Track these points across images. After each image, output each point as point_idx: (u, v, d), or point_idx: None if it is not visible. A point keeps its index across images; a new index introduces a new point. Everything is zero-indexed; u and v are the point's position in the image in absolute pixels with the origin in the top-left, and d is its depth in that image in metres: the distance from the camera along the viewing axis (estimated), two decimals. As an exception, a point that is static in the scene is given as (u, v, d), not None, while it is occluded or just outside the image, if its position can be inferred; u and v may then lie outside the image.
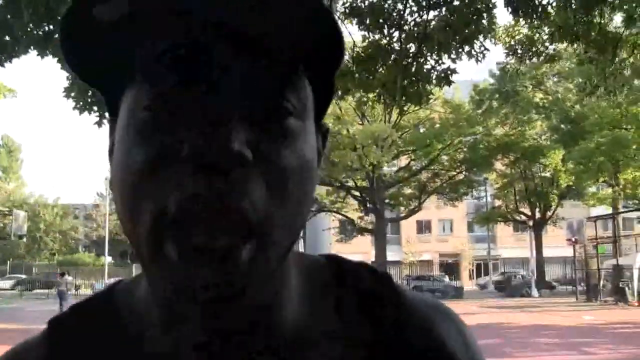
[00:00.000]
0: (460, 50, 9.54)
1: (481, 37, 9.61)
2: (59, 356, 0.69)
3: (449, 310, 0.78)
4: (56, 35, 7.62)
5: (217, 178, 0.52)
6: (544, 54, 11.31)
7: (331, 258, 0.77)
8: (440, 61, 9.58)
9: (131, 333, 0.68)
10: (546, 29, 10.90)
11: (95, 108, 7.87)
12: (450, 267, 64.49)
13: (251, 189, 0.54)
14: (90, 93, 7.89)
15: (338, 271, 0.75)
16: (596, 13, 10.07)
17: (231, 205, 0.53)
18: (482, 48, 9.68)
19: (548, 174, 44.01)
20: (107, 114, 0.69)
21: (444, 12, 9.53)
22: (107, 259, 62.97)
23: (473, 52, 9.62)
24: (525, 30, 11.87)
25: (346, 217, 42.60)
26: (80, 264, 65.39)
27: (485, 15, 9.36)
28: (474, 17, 9.26)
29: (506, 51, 12.64)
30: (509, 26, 13.72)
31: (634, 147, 32.88)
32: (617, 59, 10.64)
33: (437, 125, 40.77)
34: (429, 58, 9.69)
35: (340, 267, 0.76)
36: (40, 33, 7.55)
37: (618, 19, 11.06)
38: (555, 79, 39.44)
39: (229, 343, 0.62)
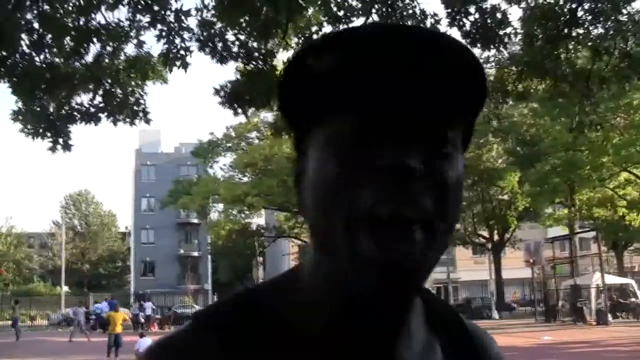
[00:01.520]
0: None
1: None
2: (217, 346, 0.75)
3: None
4: (8, 61, 7.50)
5: (402, 182, 0.67)
6: (513, 93, 11.33)
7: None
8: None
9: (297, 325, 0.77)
10: (514, 68, 10.94)
11: (48, 134, 7.73)
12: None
13: (427, 193, 0.69)
14: (42, 119, 7.76)
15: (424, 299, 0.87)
16: (562, 48, 10.18)
17: (414, 200, 0.68)
18: None
19: (506, 197, 44.54)
20: (294, 149, 0.82)
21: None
22: (64, 289, 61.81)
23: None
24: (493, 71, 11.87)
25: (305, 241, 42.60)
26: (36, 294, 64.04)
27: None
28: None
29: None
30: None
31: (588, 167, 33.45)
32: (590, 92, 10.74)
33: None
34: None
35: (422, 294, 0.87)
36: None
37: (585, 53, 11.14)
38: (511, 103, 40.01)
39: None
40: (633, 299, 36.81)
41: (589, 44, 10.27)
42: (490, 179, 42.51)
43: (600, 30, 10.26)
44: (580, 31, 10.15)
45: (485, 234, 47.24)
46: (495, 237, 46.60)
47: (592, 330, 29.36)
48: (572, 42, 10.25)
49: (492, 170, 42.14)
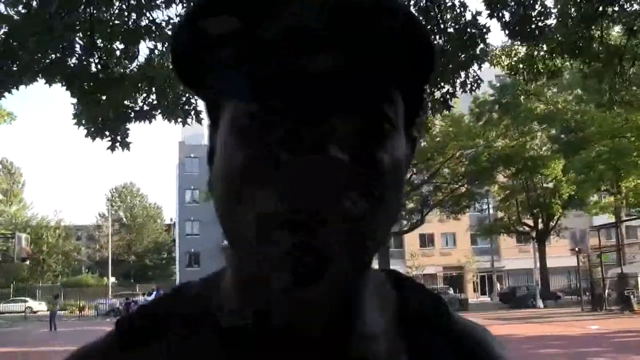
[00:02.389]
0: (455, 77, 9.54)
1: (475, 66, 9.59)
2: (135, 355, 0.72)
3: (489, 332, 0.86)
4: (65, 63, 7.71)
5: (316, 178, 0.57)
6: (545, 71, 11.29)
7: (390, 274, 0.83)
8: (439, 86, 9.56)
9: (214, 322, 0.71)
10: (544, 47, 10.90)
11: (107, 133, 7.92)
12: (454, 280, 64.41)
13: (350, 185, 0.58)
14: (100, 119, 7.93)
15: (398, 287, 0.81)
16: (596, 27, 10.12)
17: (329, 197, 0.58)
18: (476, 78, 9.68)
19: (550, 185, 44.00)
20: (207, 121, 0.74)
21: (438, 39, 9.57)
22: (111, 280, 62.87)
23: (467, 82, 9.63)
24: (524, 49, 11.85)
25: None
26: (84, 285, 65.30)
27: (479, 41, 9.37)
28: (468, 43, 9.27)
29: (508, 71, 12.66)
30: (505, 46, 13.70)
31: (635, 154, 32.92)
32: (622, 70, 10.68)
33: (438, 139, 40.85)
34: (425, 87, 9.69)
35: (400, 283, 0.82)
36: (48, 61, 7.61)
37: (617, 31, 11.11)
38: (555, 90, 39.53)
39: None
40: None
41: (624, 20, 10.19)
42: (535, 167, 42.01)
43: (636, 7, 10.17)
44: (616, 9, 10.06)
45: (530, 222, 46.72)
46: (540, 226, 46.05)
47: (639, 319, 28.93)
48: (606, 21, 10.15)
49: (536, 158, 41.65)
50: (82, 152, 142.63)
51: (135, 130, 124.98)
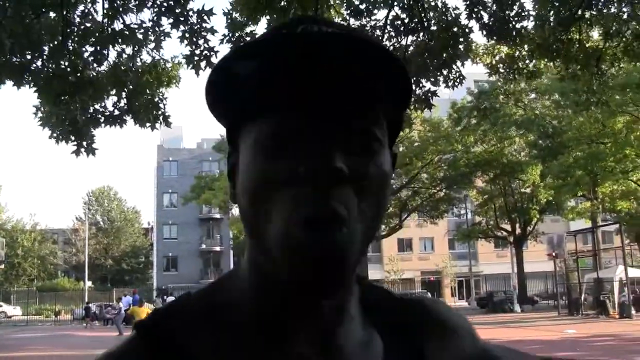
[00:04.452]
0: (438, 75, 9.60)
1: (458, 63, 9.67)
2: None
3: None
4: (33, 66, 7.57)
5: (327, 191, 0.70)
6: (524, 71, 11.40)
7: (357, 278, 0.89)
8: (420, 84, 9.63)
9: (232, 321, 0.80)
10: (526, 47, 10.99)
11: (72, 137, 7.79)
12: (432, 285, 64.59)
13: (346, 196, 0.71)
14: (67, 123, 7.81)
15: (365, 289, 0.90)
16: (574, 29, 10.18)
17: (335, 202, 0.70)
18: (459, 74, 9.74)
19: (528, 190, 44.30)
20: (227, 144, 0.86)
21: (421, 37, 9.58)
22: (87, 284, 62.35)
23: (450, 78, 9.68)
24: (505, 49, 11.96)
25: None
26: (60, 289, 64.66)
27: (462, 39, 9.42)
28: (451, 42, 9.33)
29: (488, 70, 12.75)
30: (489, 45, 13.84)
31: (611, 160, 33.19)
32: (600, 72, 10.77)
33: (417, 144, 40.98)
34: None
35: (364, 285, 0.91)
36: (17, 62, 7.50)
37: (595, 33, 11.20)
38: (533, 96, 39.78)
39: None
40: (657, 292, 36.52)
41: (601, 23, 10.28)
42: (512, 172, 42.29)
43: (613, 11, 10.25)
44: (594, 12, 10.15)
45: (507, 227, 46.98)
46: (517, 231, 46.35)
47: (615, 324, 29.17)
48: (585, 24, 10.24)
49: (514, 163, 41.91)
50: (58, 154, 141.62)
51: (113, 133, 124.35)
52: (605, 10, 10.25)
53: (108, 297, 57.17)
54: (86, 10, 8.04)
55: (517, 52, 11.37)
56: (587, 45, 10.64)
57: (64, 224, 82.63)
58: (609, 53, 10.53)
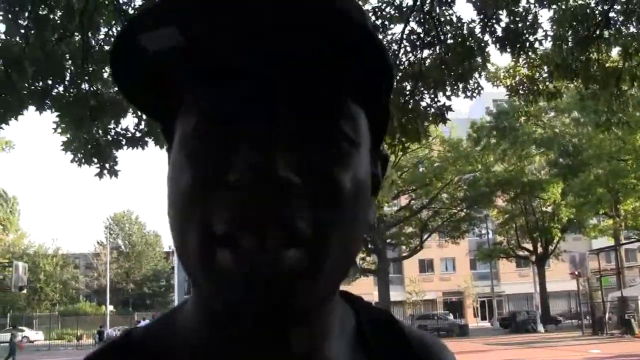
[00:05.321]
0: (455, 87, 9.64)
1: (475, 75, 9.73)
2: None
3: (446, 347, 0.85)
4: (55, 91, 7.69)
5: (264, 200, 0.54)
6: (544, 92, 11.41)
7: (350, 299, 0.80)
8: (435, 99, 9.68)
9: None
10: (545, 68, 11.02)
11: (95, 160, 7.88)
12: (454, 305, 64.13)
13: (299, 203, 0.55)
14: (90, 146, 7.90)
15: (351, 305, 0.79)
16: (593, 49, 10.19)
17: (278, 216, 0.54)
18: (477, 85, 9.79)
19: (549, 208, 43.99)
20: (165, 144, 0.71)
21: (437, 51, 9.64)
22: (109, 308, 62.51)
23: (468, 89, 9.74)
24: (525, 71, 12.00)
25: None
26: (82, 314, 64.88)
27: (477, 52, 9.48)
28: (467, 55, 9.38)
29: (508, 93, 12.82)
30: (509, 67, 13.91)
31: (632, 177, 32.94)
32: (620, 91, 10.75)
33: (436, 164, 40.92)
34: (424, 96, 9.78)
35: (351, 301, 0.80)
36: (39, 88, 7.61)
37: (614, 52, 11.20)
38: (552, 114, 39.63)
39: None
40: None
41: (620, 42, 10.28)
42: (533, 191, 42.04)
43: (632, 30, 10.25)
44: (612, 31, 10.15)
45: (529, 246, 46.63)
46: (539, 250, 45.98)
47: (641, 343, 28.76)
48: (603, 44, 10.24)
49: (534, 182, 41.69)
50: (78, 179, 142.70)
51: (133, 157, 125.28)
52: (624, 29, 10.24)
53: (129, 321, 57.26)
54: (107, 33, 8.17)
55: (537, 74, 11.40)
56: (606, 65, 10.63)
57: (86, 249, 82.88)
58: (629, 72, 10.50)
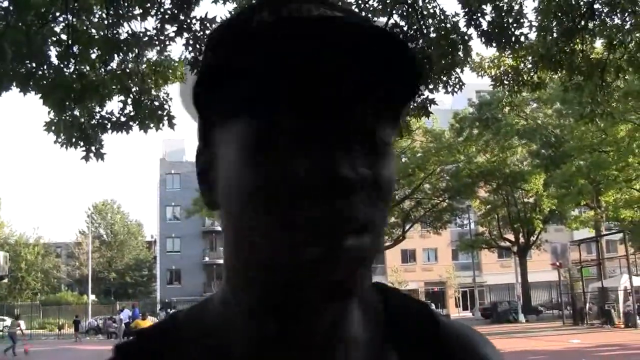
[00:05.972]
0: (437, 81, 9.63)
1: (458, 69, 9.71)
2: None
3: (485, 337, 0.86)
4: (39, 73, 7.61)
5: (332, 196, 0.61)
6: (529, 83, 11.41)
7: (375, 285, 0.83)
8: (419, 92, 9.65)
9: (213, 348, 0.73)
10: (530, 58, 11.02)
11: (80, 143, 7.82)
12: (436, 296, 64.48)
13: (358, 199, 0.63)
14: (75, 128, 7.84)
15: (384, 297, 0.83)
16: (577, 40, 10.20)
17: (345, 209, 0.62)
18: (458, 79, 9.78)
19: (531, 199, 44.26)
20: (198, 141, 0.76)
21: (421, 44, 9.62)
22: (91, 297, 62.29)
23: (450, 84, 9.72)
24: (510, 61, 12.01)
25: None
26: (63, 303, 64.61)
27: (460, 47, 9.47)
28: (450, 49, 9.36)
29: (493, 83, 12.81)
30: (494, 57, 13.91)
31: (614, 168, 33.16)
32: (604, 83, 10.78)
33: (419, 155, 41.01)
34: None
35: (385, 293, 0.84)
36: (23, 71, 7.53)
37: (598, 44, 11.23)
38: (535, 105, 39.82)
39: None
40: (662, 301, 36.46)
41: (605, 33, 10.31)
42: (515, 182, 42.27)
43: (617, 22, 10.28)
44: (596, 23, 10.18)
45: (511, 237, 46.91)
46: (521, 240, 46.26)
47: (620, 333, 29.03)
48: (588, 35, 10.27)
49: (516, 173, 41.91)
50: (61, 168, 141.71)
51: (116, 146, 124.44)
52: (608, 21, 10.27)
53: (112, 310, 57.10)
54: (92, 18, 8.12)
55: (522, 65, 11.41)
56: (590, 57, 10.65)
57: (67, 238, 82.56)
58: (612, 64, 10.53)
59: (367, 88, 0.65)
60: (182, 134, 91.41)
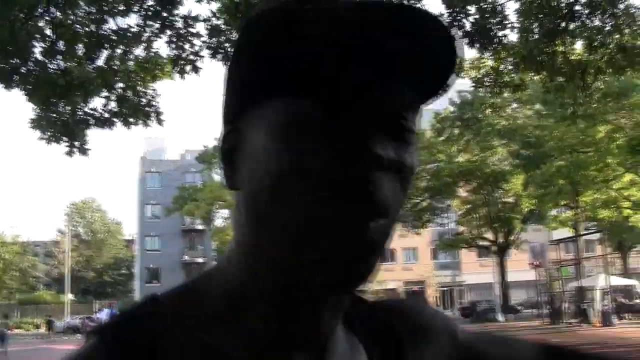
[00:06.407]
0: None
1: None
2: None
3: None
4: (23, 69, 7.58)
5: (365, 177, 0.62)
6: (510, 84, 11.47)
7: None
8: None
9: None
10: (511, 60, 11.09)
11: (64, 139, 7.80)
12: (416, 295, 64.62)
13: (386, 184, 0.64)
14: (60, 124, 7.83)
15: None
16: (558, 41, 10.29)
17: (372, 196, 0.62)
18: None
19: (510, 199, 44.50)
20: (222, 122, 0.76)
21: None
22: (69, 296, 61.87)
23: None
24: (490, 63, 12.05)
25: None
26: (41, 302, 64.13)
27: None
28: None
29: (473, 84, 12.84)
30: (474, 59, 13.97)
31: (593, 169, 33.44)
32: (585, 84, 10.88)
33: (400, 153, 41.06)
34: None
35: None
36: (6, 67, 7.51)
37: (579, 45, 11.31)
38: (515, 105, 40.07)
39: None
40: (638, 300, 36.79)
41: (585, 35, 10.41)
42: (495, 182, 42.49)
43: (597, 23, 10.38)
44: (577, 24, 10.28)
45: (491, 236, 47.14)
46: (500, 240, 46.51)
47: (597, 332, 29.29)
48: (568, 36, 10.36)
49: (496, 173, 42.12)
50: (40, 166, 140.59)
51: (96, 144, 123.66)
52: (588, 22, 10.37)
53: (90, 309, 56.75)
54: (76, 14, 8.09)
55: (502, 66, 11.47)
56: (571, 58, 10.75)
57: (46, 236, 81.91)
58: (593, 66, 10.64)
59: (405, 73, 0.66)
60: (163, 133, 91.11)
